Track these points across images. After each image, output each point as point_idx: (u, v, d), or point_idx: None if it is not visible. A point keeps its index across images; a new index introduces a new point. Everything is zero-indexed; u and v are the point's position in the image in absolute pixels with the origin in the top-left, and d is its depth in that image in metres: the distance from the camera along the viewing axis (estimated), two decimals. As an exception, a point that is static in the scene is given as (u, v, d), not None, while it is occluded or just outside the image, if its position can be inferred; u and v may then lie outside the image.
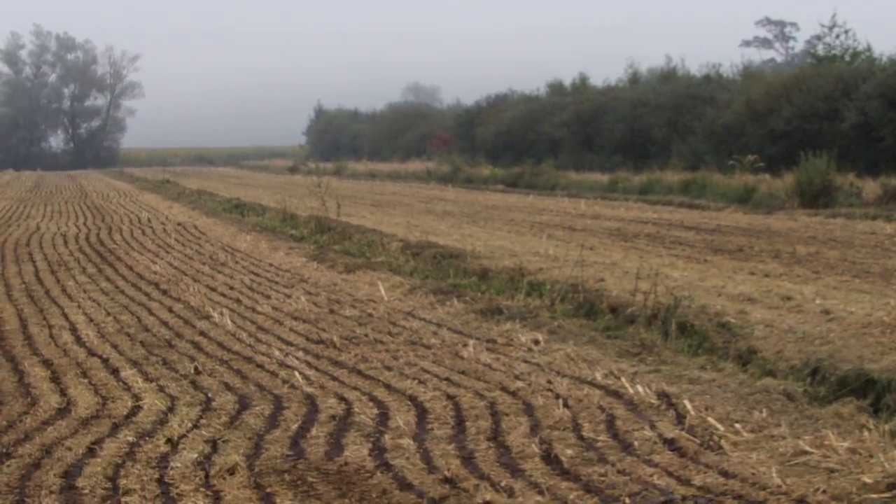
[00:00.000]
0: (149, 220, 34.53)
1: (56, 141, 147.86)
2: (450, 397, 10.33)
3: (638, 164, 53.18)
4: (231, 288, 18.04)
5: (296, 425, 9.43)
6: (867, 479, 7.44)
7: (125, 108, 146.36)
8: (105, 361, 12.25)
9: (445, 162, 67.42)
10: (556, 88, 76.78)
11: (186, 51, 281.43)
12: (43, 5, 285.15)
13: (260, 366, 11.89)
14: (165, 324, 14.76)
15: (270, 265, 21.25)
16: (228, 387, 10.88)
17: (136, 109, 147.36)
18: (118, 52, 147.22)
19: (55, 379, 11.45)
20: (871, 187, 34.10)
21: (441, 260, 20.33)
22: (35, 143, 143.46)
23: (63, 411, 10.08)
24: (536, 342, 12.71)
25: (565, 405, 9.81)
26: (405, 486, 7.79)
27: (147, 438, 9.04)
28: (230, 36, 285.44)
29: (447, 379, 11.11)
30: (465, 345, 12.67)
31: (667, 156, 52.94)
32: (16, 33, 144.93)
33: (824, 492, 7.35)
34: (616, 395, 10.22)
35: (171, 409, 10.01)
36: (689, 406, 9.49)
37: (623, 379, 10.64)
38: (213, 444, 8.81)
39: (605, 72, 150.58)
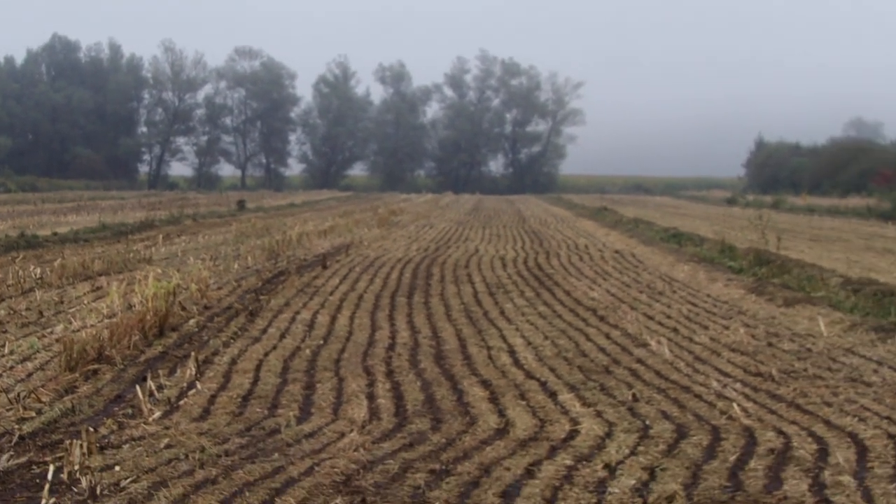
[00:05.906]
0: (586, 247, 35.06)
1: (496, 165, 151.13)
2: (891, 436, 10.03)
3: None
4: (668, 317, 18.08)
5: (734, 457, 9.35)
6: None
7: (566, 135, 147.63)
8: (543, 384, 12.52)
9: (886, 199, 65.11)
10: None
11: (628, 80, 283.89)
12: (488, 32, 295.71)
13: (697, 396, 11.86)
14: (603, 350, 14.95)
15: (708, 296, 21.15)
16: (665, 415, 10.91)
17: (576, 136, 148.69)
18: (561, 78, 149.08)
19: (493, 399, 11.75)
20: None
21: (882, 297, 19.58)
22: (475, 166, 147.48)
23: (501, 431, 10.35)
24: None
25: None
26: (845, 525, 7.59)
27: (585, 462, 9.18)
28: (670, 66, 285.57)
29: (888, 417, 10.80)
30: (908, 383, 12.22)
31: None
32: (462, 58, 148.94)
33: None
34: None
35: (608, 435, 10.14)
36: None
37: None
38: (651, 472, 8.86)
39: None
